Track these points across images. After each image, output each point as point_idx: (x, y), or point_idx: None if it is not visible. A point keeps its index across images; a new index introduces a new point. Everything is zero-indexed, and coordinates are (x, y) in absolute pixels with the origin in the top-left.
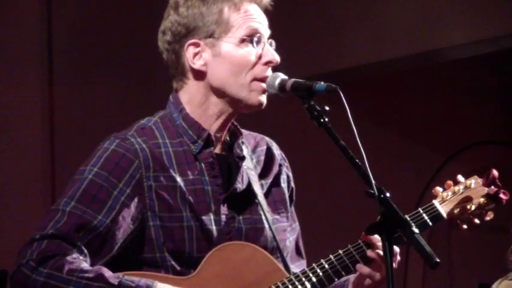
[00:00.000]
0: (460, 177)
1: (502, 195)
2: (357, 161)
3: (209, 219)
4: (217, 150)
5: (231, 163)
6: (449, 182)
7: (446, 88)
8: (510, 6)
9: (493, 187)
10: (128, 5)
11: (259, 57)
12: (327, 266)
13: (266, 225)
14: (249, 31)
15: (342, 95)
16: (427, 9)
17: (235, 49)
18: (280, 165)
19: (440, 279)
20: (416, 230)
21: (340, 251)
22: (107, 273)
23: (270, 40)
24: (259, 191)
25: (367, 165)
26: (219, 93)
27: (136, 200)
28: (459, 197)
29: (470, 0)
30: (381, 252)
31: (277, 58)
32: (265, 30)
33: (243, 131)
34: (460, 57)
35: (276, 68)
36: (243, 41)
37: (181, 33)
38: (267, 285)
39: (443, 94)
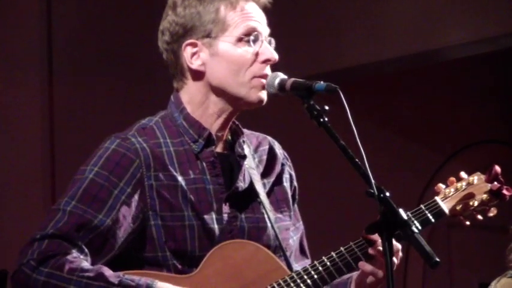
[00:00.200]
0: (462, 174)
1: (505, 191)
2: (357, 160)
3: (211, 218)
4: (219, 149)
5: (232, 162)
6: (452, 179)
7: (446, 88)
8: (510, 6)
9: (496, 183)
10: (128, 5)
11: (257, 56)
12: (328, 263)
13: (268, 224)
14: (246, 30)
15: (341, 95)
16: (427, 8)
17: (233, 48)
18: (282, 164)
19: (440, 278)
20: (416, 230)
21: (342, 248)
22: (107, 272)
23: (269, 38)
24: (261, 190)
25: (366, 164)
26: (219, 92)
27: (137, 199)
28: (462, 194)
29: (470, 0)
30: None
31: (275, 56)
32: (263, 28)
33: (245, 130)
34: (459, 57)
35: (275, 68)
36: (240, 40)
37: (178, 33)
38: (269, 283)
39: (443, 94)
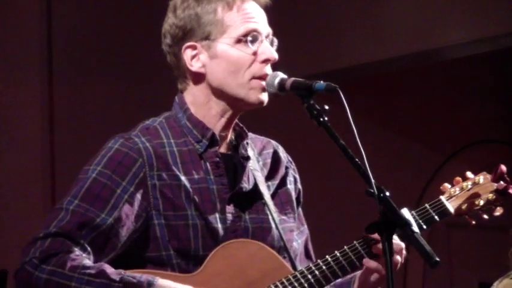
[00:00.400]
0: (468, 174)
1: (511, 190)
2: (357, 160)
3: (214, 218)
4: (223, 149)
5: (236, 163)
6: (458, 179)
7: (446, 87)
8: (510, 6)
9: (502, 182)
10: (128, 5)
11: (256, 56)
12: (331, 261)
13: (273, 225)
14: (244, 30)
15: (341, 94)
16: (427, 8)
17: (231, 49)
18: (286, 168)
19: (440, 278)
20: (416, 230)
21: (346, 247)
22: (109, 269)
23: (272, 37)
24: (265, 192)
25: (366, 164)
26: (219, 93)
27: (140, 198)
28: (467, 193)
29: (470, 0)
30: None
31: (275, 55)
32: (263, 28)
33: (250, 134)
34: (459, 56)
35: (275, 67)
36: (239, 41)
37: (178, 36)
38: (272, 282)
39: (443, 93)
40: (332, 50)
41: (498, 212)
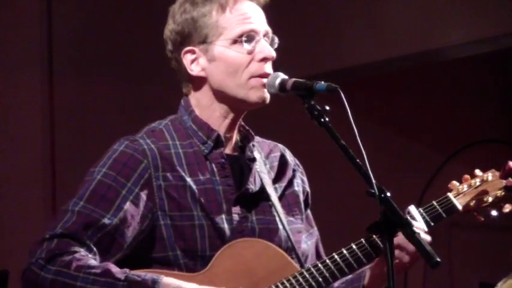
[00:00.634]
0: (477, 171)
1: None
2: (358, 160)
3: (221, 219)
4: (228, 150)
5: (242, 164)
6: (466, 176)
7: (446, 87)
8: (510, 6)
9: (510, 179)
10: (128, 5)
11: (254, 55)
12: (339, 259)
13: (280, 226)
14: (239, 31)
15: (342, 95)
16: (427, 8)
17: (228, 51)
18: (294, 170)
19: (441, 278)
20: (417, 230)
21: (353, 244)
22: (114, 268)
23: (271, 36)
24: (273, 193)
25: (367, 164)
26: (221, 95)
27: (145, 199)
28: (476, 190)
29: (470, 0)
30: (402, 241)
31: (272, 53)
32: (259, 26)
33: (257, 138)
34: (460, 57)
35: (275, 67)
36: (234, 41)
37: (178, 41)
38: (279, 280)
39: (443, 93)
40: (332, 50)
41: (507, 208)
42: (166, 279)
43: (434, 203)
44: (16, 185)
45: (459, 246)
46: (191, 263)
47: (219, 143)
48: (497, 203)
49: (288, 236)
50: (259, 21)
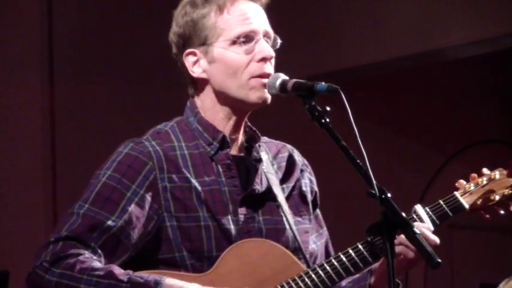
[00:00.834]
0: (484, 170)
1: None
2: (358, 161)
3: (227, 219)
4: (234, 151)
5: (249, 165)
6: (474, 175)
7: (446, 87)
8: (510, 6)
9: None
10: (128, 5)
11: (253, 55)
12: (344, 258)
13: (287, 226)
14: (238, 32)
15: (343, 95)
16: (427, 8)
17: (227, 52)
18: (302, 170)
19: (442, 278)
20: (417, 231)
21: (359, 244)
22: (117, 270)
23: (273, 35)
24: (279, 194)
25: (368, 165)
26: (223, 96)
27: (150, 200)
28: (483, 189)
29: (470, 0)
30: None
31: (271, 53)
32: (259, 26)
33: (265, 138)
34: (460, 57)
35: (275, 68)
36: (233, 42)
37: (180, 44)
38: (285, 279)
39: (443, 93)
40: (333, 50)
41: None
42: (168, 280)
43: (441, 201)
44: (16, 185)
45: (460, 246)
46: (198, 264)
47: (224, 144)
48: (505, 202)
49: (295, 237)
50: (258, 21)
